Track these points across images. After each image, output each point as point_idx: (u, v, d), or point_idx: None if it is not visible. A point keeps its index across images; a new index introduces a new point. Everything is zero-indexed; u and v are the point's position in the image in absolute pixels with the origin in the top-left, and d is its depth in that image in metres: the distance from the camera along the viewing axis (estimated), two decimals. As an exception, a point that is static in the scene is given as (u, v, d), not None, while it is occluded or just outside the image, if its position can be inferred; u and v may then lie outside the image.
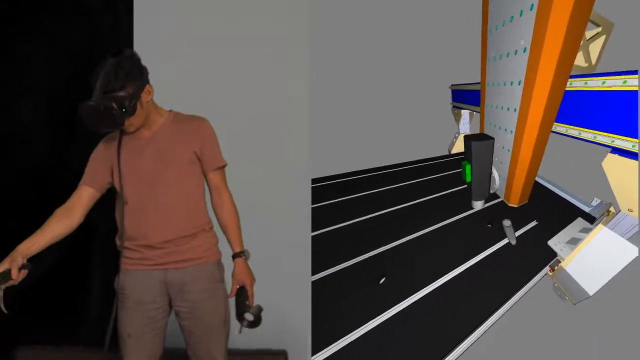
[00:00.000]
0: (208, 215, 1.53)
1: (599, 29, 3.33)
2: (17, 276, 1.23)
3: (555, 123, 3.63)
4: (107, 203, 1.76)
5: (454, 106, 7.58)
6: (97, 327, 1.96)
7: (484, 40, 4.55)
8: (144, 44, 1.80)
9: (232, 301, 1.55)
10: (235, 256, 1.55)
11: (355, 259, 3.14)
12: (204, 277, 1.48)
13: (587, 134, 3.12)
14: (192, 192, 1.49)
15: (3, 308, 1.20)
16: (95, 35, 1.94)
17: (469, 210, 4.41)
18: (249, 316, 1.50)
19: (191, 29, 1.92)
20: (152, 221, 1.43)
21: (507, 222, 3.73)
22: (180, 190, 1.45)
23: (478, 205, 4.47)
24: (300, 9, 2.03)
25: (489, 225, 3.82)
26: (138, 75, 1.38)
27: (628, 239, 2.56)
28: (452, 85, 7.53)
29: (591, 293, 2.60)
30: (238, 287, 1.54)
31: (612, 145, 2.82)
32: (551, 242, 3.33)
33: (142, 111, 1.40)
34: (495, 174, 4.52)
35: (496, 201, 4.67)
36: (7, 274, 1.21)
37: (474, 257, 3.16)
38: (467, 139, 4.34)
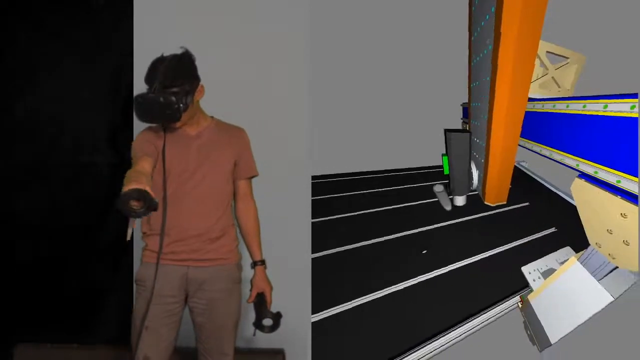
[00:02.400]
0: (233, 218, 1.60)
1: (568, 60, 3.56)
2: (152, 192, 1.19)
3: (534, 143, 3.71)
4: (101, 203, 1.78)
5: (463, 121, 7.97)
6: (100, 325, 2.01)
7: (469, 44, 4.85)
8: (144, 44, 1.81)
9: (250, 306, 1.62)
10: (255, 264, 1.62)
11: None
12: (223, 277, 1.53)
13: (557, 155, 3.06)
14: (226, 194, 1.56)
15: (129, 235, 1.17)
16: (95, 34, 1.95)
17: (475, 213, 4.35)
18: (268, 321, 1.58)
19: (191, 28, 1.92)
20: (188, 214, 1.48)
21: (439, 188, 3.65)
22: (217, 190, 1.53)
23: (459, 200, 4.47)
24: (302, 8, 2.05)
25: None
26: (194, 73, 1.48)
27: (600, 280, 2.17)
28: (462, 103, 7.88)
29: (552, 341, 2.25)
30: (257, 293, 1.60)
31: (577, 168, 2.61)
32: (526, 269, 2.88)
33: (192, 108, 1.48)
34: (473, 169, 4.62)
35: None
36: (146, 191, 1.15)
37: (468, 257, 3.16)
38: (446, 131, 4.49)
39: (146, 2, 1.92)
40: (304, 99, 2.08)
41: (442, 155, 4.64)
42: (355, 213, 4.41)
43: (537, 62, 3.44)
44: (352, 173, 6.93)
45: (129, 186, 1.15)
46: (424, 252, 3.30)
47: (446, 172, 4.58)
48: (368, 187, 5.87)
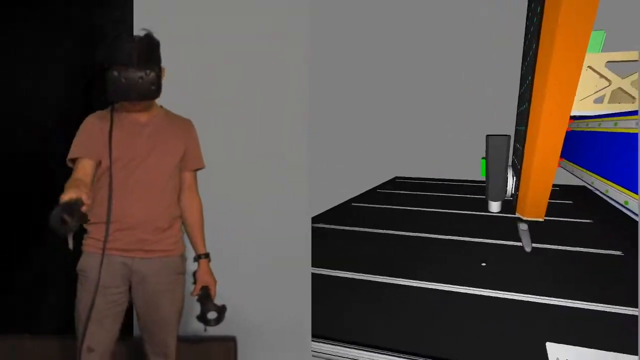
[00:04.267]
0: (179, 210, 1.56)
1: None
2: (88, 201, 1.16)
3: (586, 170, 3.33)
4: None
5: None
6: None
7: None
8: None
9: (192, 300, 1.59)
10: (199, 257, 1.59)
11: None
12: (167, 269, 1.50)
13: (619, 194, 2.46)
14: (174, 184, 1.52)
15: (71, 244, 1.13)
16: (94, 33, 1.92)
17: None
18: (212, 314, 1.55)
19: (191, 28, 1.91)
20: (135, 202, 1.43)
21: (523, 226, 3.57)
22: (165, 180, 1.48)
23: (494, 207, 4.41)
24: (302, 9, 2.01)
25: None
26: (160, 54, 1.43)
27: None
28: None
29: None
30: (202, 287, 1.57)
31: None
32: (554, 350, 2.14)
33: None
34: (510, 176, 4.41)
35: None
36: (79, 201, 1.12)
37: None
38: (488, 135, 4.32)
39: (146, 2, 1.89)
40: (303, 96, 2.04)
41: (482, 158, 4.47)
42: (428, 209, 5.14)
43: (594, 75, 3.02)
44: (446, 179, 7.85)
45: (63, 197, 1.11)
46: (484, 264, 3.24)
47: (483, 174, 4.45)
48: (449, 191, 6.62)
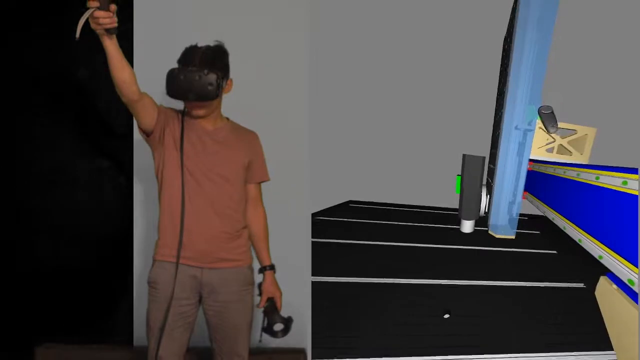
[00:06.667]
0: (245, 221, 1.57)
1: (576, 132, 4.03)
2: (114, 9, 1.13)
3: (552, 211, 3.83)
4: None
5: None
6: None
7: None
8: (143, 44, 1.82)
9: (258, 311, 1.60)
10: (265, 269, 1.60)
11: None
12: (237, 279, 1.50)
13: (575, 232, 2.69)
14: (241, 195, 1.52)
15: (78, 30, 1.09)
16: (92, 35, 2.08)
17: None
18: (279, 326, 1.57)
19: (191, 28, 1.90)
20: (204, 213, 1.43)
21: (547, 109, 3.58)
22: (233, 190, 1.49)
23: (467, 226, 4.57)
24: (302, 11, 2.02)
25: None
26: (228, 64, 1.45)
27: None
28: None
29: None
30: (268, 299, 1.59)
31: (600, 261, 2.08)
32: None
33: (218, 100, 1.44)
34: (483, 195, 4.68)
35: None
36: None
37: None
38: (464, 154, 4.53)
39: (146, 2, 1.91)
40: (303, 97, 2.06)
41: (457, 175, 4.75)
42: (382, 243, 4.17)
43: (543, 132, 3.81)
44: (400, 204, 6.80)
45: None
46: (447, 316, 2.62)
47: (457, 192, 4.75)
48: (410, 219, 5.56)
